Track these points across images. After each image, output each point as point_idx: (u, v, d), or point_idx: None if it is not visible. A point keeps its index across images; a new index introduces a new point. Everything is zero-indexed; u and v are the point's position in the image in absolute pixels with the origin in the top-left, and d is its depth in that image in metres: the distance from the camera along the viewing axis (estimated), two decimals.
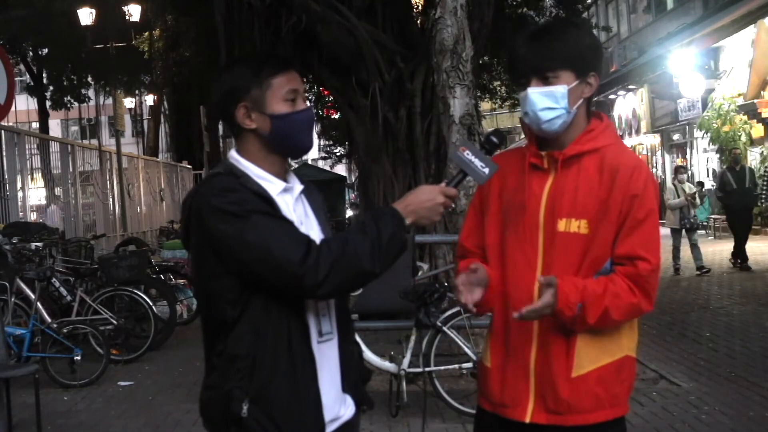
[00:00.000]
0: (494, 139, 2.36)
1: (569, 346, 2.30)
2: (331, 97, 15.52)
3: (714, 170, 22.16)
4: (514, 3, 16.25)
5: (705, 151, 22.92)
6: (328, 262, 2.04)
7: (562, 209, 2.31)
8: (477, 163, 2.26)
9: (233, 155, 2.24)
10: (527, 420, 2.33)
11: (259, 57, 2.30)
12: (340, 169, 36.77)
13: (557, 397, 2.30)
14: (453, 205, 2.26)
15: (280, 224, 2.09)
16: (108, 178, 16.88)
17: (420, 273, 6.89)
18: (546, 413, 2.32)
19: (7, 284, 7.91)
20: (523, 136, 2.54)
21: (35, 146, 13.28)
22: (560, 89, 2.29)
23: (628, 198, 2.27)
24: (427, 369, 5.72)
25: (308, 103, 2.25)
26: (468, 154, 2.27)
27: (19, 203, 11.98)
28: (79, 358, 7.37)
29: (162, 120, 32.32)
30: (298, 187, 2.28)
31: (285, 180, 2.24)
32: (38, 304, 7.78)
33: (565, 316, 2.23)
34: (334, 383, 2.22)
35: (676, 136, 25.59)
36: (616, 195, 2.27)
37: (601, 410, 2.31)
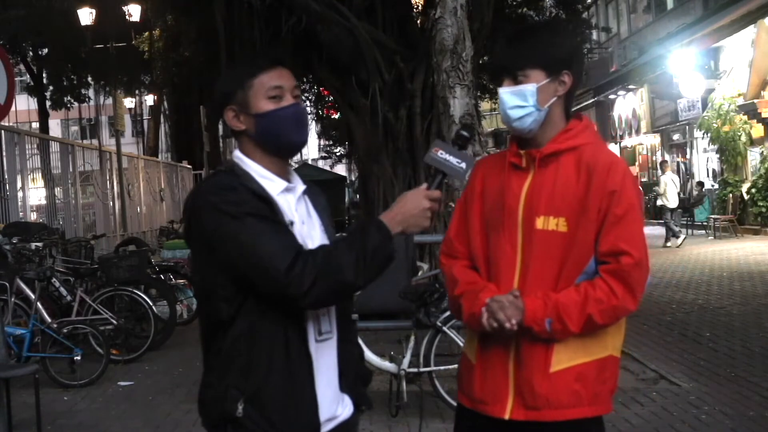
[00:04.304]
0: (464, 133, 2.37)
1: (549, 341, 2.30)
2: (331, 97, 15.51)
3: (714, 170, 22.17)
4: (514, 3, 16.25)
5: (705, 151, 22.93)
6: (312, 274, 2.03)
7: (539, 207, 2.33)
8: (452, 160, 2.26)
9: (237, 154, 2.25)
10: (506, 417, 2.34)
11: (245, 59, 2.30)
12: (340, 169, 36.73)
13: (535, 392, 2.30)
14: (441, 208, 2.25)
15: (273, 229, 2.09)
16: (108, 178, 16.87)
17: (420, 273, 6.89)
18: (524, 409, 2.32)
19: (7, 284, 7.90)
20: None
21: (35, 146, 13.26)
22: (529, 87, 2.33)
23: (606, 195, 2.28)
24: (426, 369, 5.72)
25: (299, 99, 2.24)
26: (441, 153, 2.26)
27: (19, 203, 11.98)
28: (79, 358, 7.36)
29: (162, 120, 32.33)
30: (301, 187, 2.27)
31: (287, 180, 2.24)
32: (38, 304, 7.77)
33: (535, 332, 2.26)
34: (331, 383, 2.22)
35: (676, 136, 25.59)
36: (594, 192, 2.29)
37: (579, 407, 2.31)
